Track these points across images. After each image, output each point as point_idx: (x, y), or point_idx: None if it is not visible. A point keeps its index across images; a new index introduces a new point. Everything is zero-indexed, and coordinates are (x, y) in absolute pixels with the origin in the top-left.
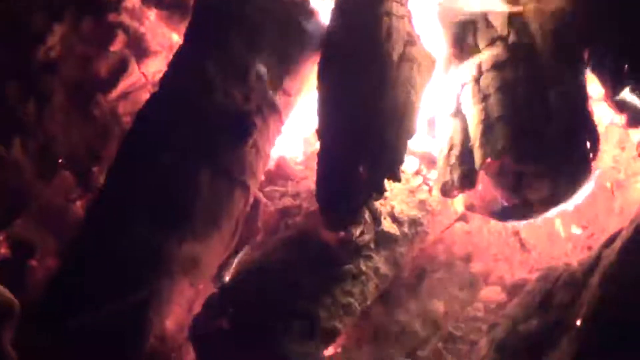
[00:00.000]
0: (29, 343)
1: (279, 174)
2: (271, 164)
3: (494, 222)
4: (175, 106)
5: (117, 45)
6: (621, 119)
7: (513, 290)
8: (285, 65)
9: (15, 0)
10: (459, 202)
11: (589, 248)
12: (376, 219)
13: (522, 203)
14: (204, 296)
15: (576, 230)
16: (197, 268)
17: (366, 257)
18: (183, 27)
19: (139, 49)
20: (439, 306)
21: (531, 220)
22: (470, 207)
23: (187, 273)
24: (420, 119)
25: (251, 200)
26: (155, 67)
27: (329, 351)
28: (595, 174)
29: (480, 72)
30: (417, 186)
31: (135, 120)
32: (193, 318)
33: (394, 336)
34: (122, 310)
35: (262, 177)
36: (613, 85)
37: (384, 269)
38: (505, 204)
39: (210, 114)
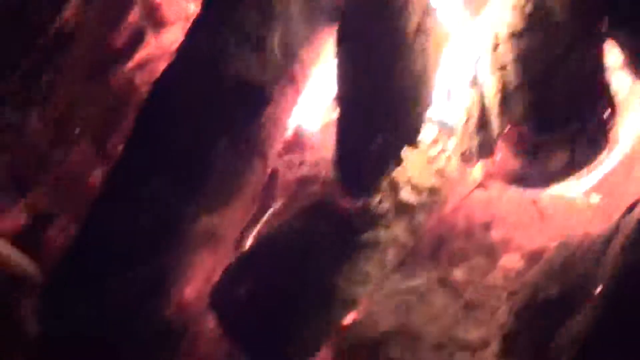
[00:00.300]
0: (47, 313)
1: (296, 143)
2: (289, 133)
3: (513, 190)
4: (191, 77)
5: (133, 16)
6: None
7: (532, 258)
8: (301, 34)
9: None
10: (477, 171)
11: (608, 216)
12: (394, 187)
13: (541, 170)
14: (223, 264)
15: (595, 199)
16: (216, 240)
17: (385, 225)
18: None
19: (155, 19)
20: (458, 274)
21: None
22: (489, 176)
23: (206, 244)
24: (437, 88)
25: (269, 169)
26: (172, 37)
27: (348, 320)
28: (619, 144)
29: (497, 42)
30: (436, 155)
31: (151, 91)
32: (212, 286)
33: (413, 305)
34: (139, 280)
35: (280, 147)
36: (632, 53)
37: (402, 237)
38: (524, 171)
39: (226, 84)
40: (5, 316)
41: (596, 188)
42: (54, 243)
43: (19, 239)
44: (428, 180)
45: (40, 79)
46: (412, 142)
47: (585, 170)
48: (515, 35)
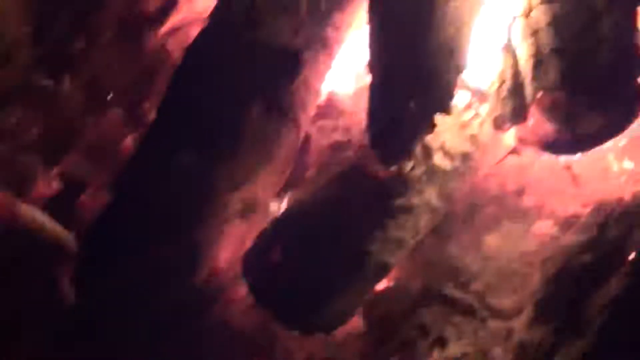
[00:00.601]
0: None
1: (329, 109)
2: (322, 99)
3: (546, 156)
4: (224, 41)
5: None
6: None
7: (565, 224)
8: None
9: None
10: (510, 136)
11: None
12: (427, 153)
13: (574, 136)
14: (256, 231)
15: (629, 164)
16: (249, 206)
17: (418, 191)
18: None
19: None
20: (491, 240)
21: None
22: (521, 141)
23: (239, 211)
24: (470, 53)
25: (302, 135)
26: (204, 3)
27: (381, 285)
28: None
29: (530, 6)
30: (469, 120)
31: (184, 56)
32: (245, 253)
33: (446, 270)
34: (171, 249)
35: (313, 112)
36: None
37: (435, 203)
38: (557, 137)
39: (259, 48)
40: (43, 285)
41: (630, 153)
42: (87, 210)
43: (52, 205)
44: (461, 145)
45: (72, 43)
46: (445, 107)
47: (619, 136)
48: (549, 0)
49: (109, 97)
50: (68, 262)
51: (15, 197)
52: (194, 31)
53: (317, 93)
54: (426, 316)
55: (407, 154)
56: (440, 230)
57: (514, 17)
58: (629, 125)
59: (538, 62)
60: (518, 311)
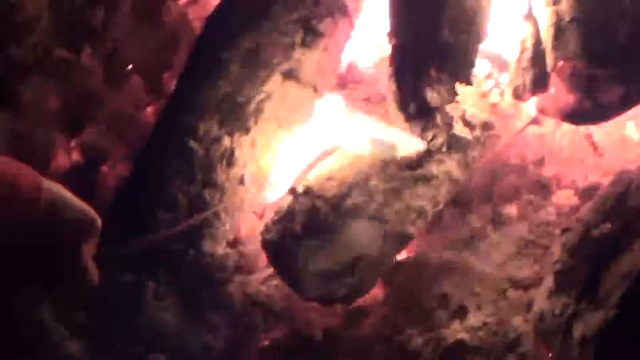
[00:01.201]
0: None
1: (349, 79)
2: (342, 69)
3: (566, 126)
4: (245, 10)
5: None
6: None
7: (585, 194)
8: None
9: None
10: (531, 106)
11: None
12: (448, 122)
13: (594, 106)
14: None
15: None
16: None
17: (438, 161)
18: None
19: None
20: (511, 210)
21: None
22: (542, 111)
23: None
24: (491, 22)
25: None
26: None
27: (401, 255)
28: None
29: None
30: (489, 90)
31: (205, 26)
32: (264, 223)
33: (466, 240)
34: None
35: (333, 82)
36: None
37: (456, 172)
38: (578, 107)
39: (279, 17)
40: (67, 262)
41: None
42: (107, 181)
43: (72, 177)
44: (481, 115)
45: (92, 14)
46: (466, 76)
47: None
48: None
49: (129, 68)
50: (93, 241)
51: (36, 170)
52: (214, 1)
53: (338, 62)
54: (446, 286)
55: (429, 123)
56: (461, 200)
57: None
58: None
59: (559, 31)
60: (538, 282)
